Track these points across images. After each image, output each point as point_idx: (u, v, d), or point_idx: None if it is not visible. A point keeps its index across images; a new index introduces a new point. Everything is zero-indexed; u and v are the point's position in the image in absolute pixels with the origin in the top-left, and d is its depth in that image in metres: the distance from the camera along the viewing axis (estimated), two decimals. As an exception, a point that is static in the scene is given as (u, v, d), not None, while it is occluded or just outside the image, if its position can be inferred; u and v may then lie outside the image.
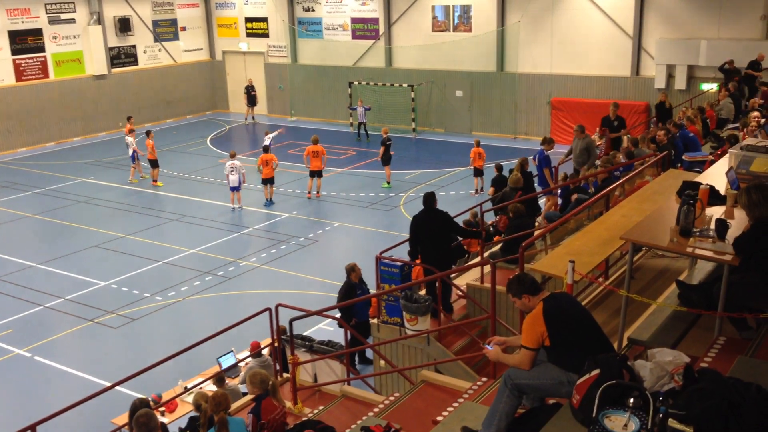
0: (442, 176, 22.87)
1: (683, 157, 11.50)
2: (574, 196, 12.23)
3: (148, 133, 22.96)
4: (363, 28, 30.62)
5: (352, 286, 11.23)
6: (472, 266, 10.71)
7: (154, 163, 22.53)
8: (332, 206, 20.11)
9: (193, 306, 14.54)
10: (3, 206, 20.95)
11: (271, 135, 22.80)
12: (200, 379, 10.44)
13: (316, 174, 20.79)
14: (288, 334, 9.36)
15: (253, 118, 32.48)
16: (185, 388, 10.20)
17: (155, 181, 22.70)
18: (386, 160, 21.46)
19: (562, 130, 25.81)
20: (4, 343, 13.10)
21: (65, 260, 16.92)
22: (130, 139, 23.03)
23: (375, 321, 10.00)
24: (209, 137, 29.84)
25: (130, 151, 23.06)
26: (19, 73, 28.03)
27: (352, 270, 11.35)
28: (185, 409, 9.86)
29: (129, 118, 25.06)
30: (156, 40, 32.58)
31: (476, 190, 20.64)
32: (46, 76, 28.89)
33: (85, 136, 30.00)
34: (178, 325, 13.74)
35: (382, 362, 9.52)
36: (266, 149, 20.97)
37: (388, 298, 9.70)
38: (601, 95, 25.43)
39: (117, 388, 9.52)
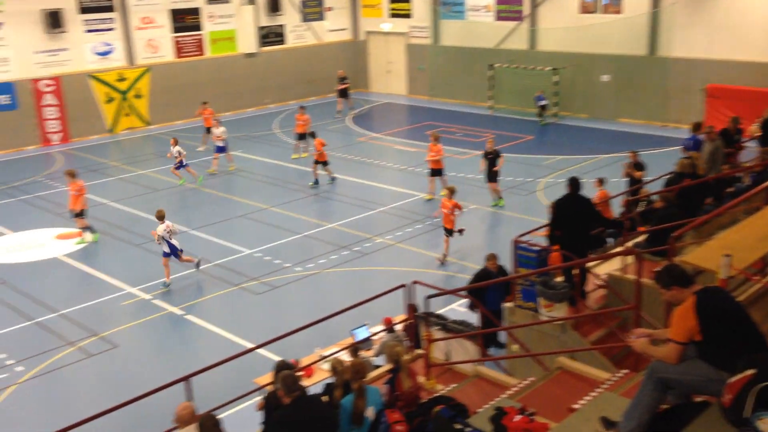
0: (583, 163, 22.23)
1: None
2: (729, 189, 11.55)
3: (302, 107, 23.74)
4: (507, 9, 30.12)
5: (488, 273, 11.16)
6: (615, 255, 10.39)
7: (301, 137, 23.30)
8: (468, 188, 20.05)
9: (329, 278, 15.02)
10: (160, 174, 22.44)
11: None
12: (335, 349, 10.80)
13: (437, 173, 19.35)
14: (421, 311, 9.51)
15: (342, 111, 30.45)
16: (321, 356, 10.59)
17: (302, 152, 23.51)
18: (491, 175, 18.66)
19: (718, 119, 24.30)
20: (160, 300, 14.13)
21: (215, 227, 17.94)
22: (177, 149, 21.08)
23: (510, 305, 9.94)
24: (350, 116, 30.50)
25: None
26: (179, 49, 29.84)
27: (489, 258, 11.30)
28: (321, 376, 10.25)
29: (204, 103, 25.71)
30: (303, 20, 33.60)
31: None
32: (202, 53, 30.57)
33: (234, 111, 31.52)
34: (315, 296, 14.25)
35: (515, 346, 9.47)
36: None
37: (524, 282, 9.62)
38: (764, 83, 23.68)
39: (258, 350, 10.07)
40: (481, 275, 11.14)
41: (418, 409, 6.26)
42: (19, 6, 25.46)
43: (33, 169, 23.60)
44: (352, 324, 11.43)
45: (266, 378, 9.45)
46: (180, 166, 21.17)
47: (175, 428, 6.25)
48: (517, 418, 5.81)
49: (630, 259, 9.99)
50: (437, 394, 7.12)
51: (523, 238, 10.76)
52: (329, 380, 8.55)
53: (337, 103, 30.65)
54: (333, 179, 21.12)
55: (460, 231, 15.57)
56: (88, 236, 17.12)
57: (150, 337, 13.00)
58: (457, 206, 15.48)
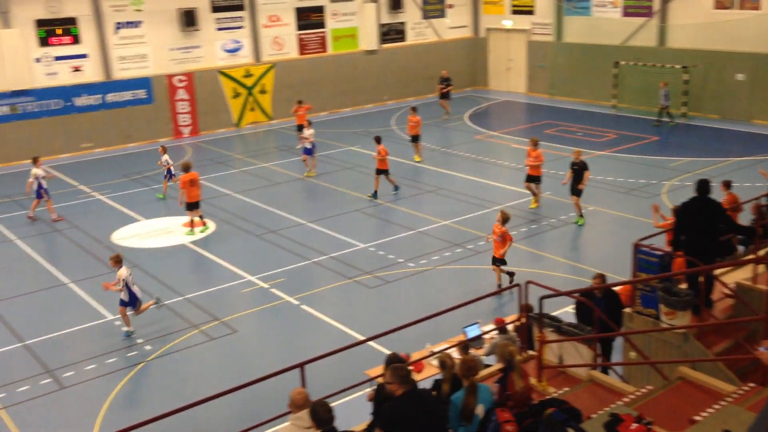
0: (712, 166, 21.11)
1: None
2: None
3: (413, 108, 23.70)
4: (635, 5, 29.03)
5: (589, 294, 10.49)
6: (745, 262, 9.80)
7: (415, 138, 23.25)
8: (588, 190, 19.50)
9: (441, 275, 15.03)
10: (280, 167, 23.18)
11: None
12: (446, 346, 10.79)
13: (534, 180, 18.61)
14: (535, 312, 9.33)
15: (450, 113, 29.70)
16: (432, 352, 10.61)
17: (415, 156, 23.40)
18: (575, 189, 17.42)
19: None
20: (277, 289, 14.61)
21: (330, 221, 18.35)
22: (165, 158, 20.59)
23: (628, 310, 9.59)
24: (467, 113, 30.36)
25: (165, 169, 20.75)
26: (302, 46, 30.70)
27: (595, 277, 10.77)
28: (430, 371, 10.28)
29: (300, 102, 25.80)
30: (424, 17, 33.73)
31: None
32: (324, 50, 31.30)
33: (354, 107, 32.08)
34: (427, 292, 14.30)
35: (632, 353, 9.13)
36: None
37: (645, 288, 9.24)
38: None
39: (369, 343, 10.20)
40: (584, 296, 10.67)
41: (529, 410, 6.16)
42: (157, 5, 26.99)
43: (165, 160, 24.93)
44: (463, 321, 11.38)
45: (377, 370, 9.59)
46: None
47: (288, 412, 6.44)
48: (634, 426, 5.61)
49: (762, 268, 9.41)
50: (549, 397, 6.98)
51: (645, 242, 10.34)
52: (438, 376, 8.57)
53: (442, 105, 29.70)
54: (396, 189, 20.07)
55: (510, 274, 14.07)
56: (198, 229, 17.93)
57: (267, 324, 13.47)
58: (506, 236, 13.94)
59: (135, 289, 13.02)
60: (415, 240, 16.92)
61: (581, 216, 17.54)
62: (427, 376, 10.05)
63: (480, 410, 6.08)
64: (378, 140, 20.03)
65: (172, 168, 20.59)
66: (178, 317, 13.59)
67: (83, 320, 13.60)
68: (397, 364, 6.47)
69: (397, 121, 29.32)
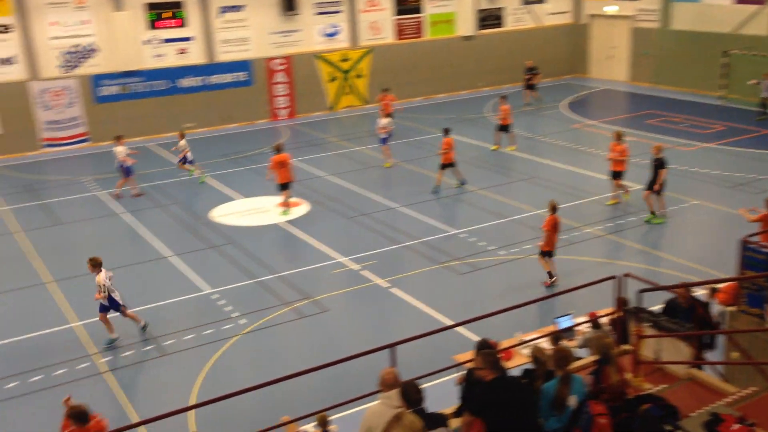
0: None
1: None
2: None
3: (503, 97, 23.34)
4: (750, -9, 27.56)
5: (676, 306, 9.96)
6: None
7: (504, 128, 22.80)
8: (691, 183, 18.74)
9: (533, 264, 14.77)
10: (373, 151, 23.33)
11: None
12: (536, 335, 10.64)
13: (617, 175, 17.65)
14: (631, 306, 9.04)
15: (536, 100, 29.14)
16: (522, 340, 10.49)
17: (508, 147, 23.06)
18: (651, 186, 16.52)
19: None
20: (368, 271, 14.77)
21: (422, 206, 18.35)
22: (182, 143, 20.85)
23: (732, 308, 9.18)
24: (565, 101, 29.66)
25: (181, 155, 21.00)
26: (399, 32, 30.72)
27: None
28: (519, 360, 10.16)
29: (385, 90, 25.51)
30: (524, 3, 33.10)
31: None
32: (421, 35, 31.22)
33: (449, 93, 31.90)
34: (518, 281, 14.10)
35: (735, 353, 8.74)
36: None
37: (751, 286, 8.82)
38: None
39: (457, 328, 10.18)
40: (670, 305, 10.22)
41: (624, 405, 6.00)
42: (259, -10, 27.63)
43: (262, 141, 25.57)
44: (555, 312, 11.22)
45: (464, 356, 9.56)
46: (185, 160, 20.85)
47: (377, 391, 6.51)
48: (735, 427, 5.38)
49: None
50: (645, 392, 6.77)
51: (753, 239, 9.86)
52: (528, 366, 8.45)
53: (524, 96, 29.11)
54: (463, 183, 19.48)
55: (551, 277, 13.64)
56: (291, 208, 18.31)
57: (356, 306, 13.65)
58: (549, 226, 13.44)
59: (116, 296, 12.19)
60: (507, 228, 16.72)
61: (653, 214, 16.57)
62: (516, 365, 9.94)
63: (572, 401, 5.97)
64: (446, 132, 19.36)
65: (188, 154, 20.80)
66: (271, 294, 13.95)
67: (183, 292, 14.16)
68: (487, 349, 6.43)
69: (493, 108, 28.96)
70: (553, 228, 13.56)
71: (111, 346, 12.23)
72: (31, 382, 11.26)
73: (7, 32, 24.06)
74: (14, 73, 24.37)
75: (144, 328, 12.59)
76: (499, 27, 32.85)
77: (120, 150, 19.70)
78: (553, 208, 13.57)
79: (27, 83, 24.46)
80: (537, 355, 7.20)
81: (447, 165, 19.12)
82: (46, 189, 21.11)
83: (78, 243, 17.10)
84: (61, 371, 11.52)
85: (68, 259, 15.91)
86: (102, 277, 11.96)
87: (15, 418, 10.50)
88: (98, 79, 25.53)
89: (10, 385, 11.22)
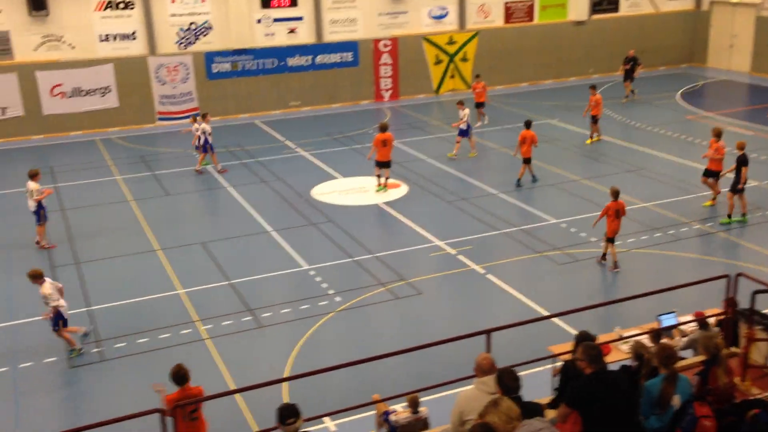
0: None
1: None
2: None
3: (593, 87, 22.18)
4: None
5: None
6: None
7: (595, 119, 21.86)
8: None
9: (636, 258, 14.29)
10: (475, 137, 23.04)
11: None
12: (636, 331, 10.27)
13: (713, 175, 16.72)
14: (743, 308, 8.57)
15: (633, 93, 27.14)
16: (620, 336, 10.15)
17: (595, 136, 22.13)
18: (734, 187, 15.63)
19: None
20: (464, 256, 14.65)
21: (523, 193, 18.04)
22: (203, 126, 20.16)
23: None
24: (680, 91, 28.35)
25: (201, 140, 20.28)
26: (509, 15, 30.14)
27: None
28: (617, 356, 9.84)
29: (477, 76, 24.99)
30: (641, -13, 31.80)
31: None
32: (531, 19, 30.53)
33: (557, 79, 31.10)
34: (618, 275, 13.66)
35: None
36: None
37: None
38: None
39: (553, 319, 9.94)
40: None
41: (731, 408, 5.70)
42: (369, -29, 27.72)
43: (366, 121, 25.74)
44: (657, 308, 10.76)
45: (560, 347, 9.34)
46: (204, 147, 20.23)
47: (472, 376, 6.45)
48: None
49: None
50: (754, 397, 6.41)
51: None
52: (627, 362, 8.17)
53: (625, 88, 27.37)
54: (534, 179, 18.69)
55: (603, 260, 13.98)
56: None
57: (451, 290, 13.57)
58: (611, 211, 13.61)
59: (64, 310, 11.18)
60: (611, 220, 16.18)
61: (729, 216, 15.64)
62: (614, 360, 9.63)
63: (676, 401, 5.72)
64: (527, 125, 18.69)
65: (210, 138, 20.21)
66: (367, 273, 14.07)
67: (281, 266, 14.49)
68: (588, 342, 6.25)
69: (603, 95, 28.00)
70: (615, 214, 13.60)
71: (70, 354, 11.41)
72: (138, 344, 11.83)
73: (129, 8, 25.19)
74: (134, 48, 25.52)
75: (86, 334, 11.70)
76: (615, 12, 31.68)
77: (204, 127, 20.18)
78: (615, 194, 13.66)
79: (146, 58, 25.55)
80: (640, 352, 6.95)
81: (525, 160, 18.53)
82: (159, 161, 22.06)
83: (186, 213, 17.82)
84: (165, 335, 12.05)
85: (176, 229, 16.60)
86: (46, 289, 10.95)
87: (121, 375, 11.07)
88: (211, 56, 26.37)
89: (120, 345, 11.83)
